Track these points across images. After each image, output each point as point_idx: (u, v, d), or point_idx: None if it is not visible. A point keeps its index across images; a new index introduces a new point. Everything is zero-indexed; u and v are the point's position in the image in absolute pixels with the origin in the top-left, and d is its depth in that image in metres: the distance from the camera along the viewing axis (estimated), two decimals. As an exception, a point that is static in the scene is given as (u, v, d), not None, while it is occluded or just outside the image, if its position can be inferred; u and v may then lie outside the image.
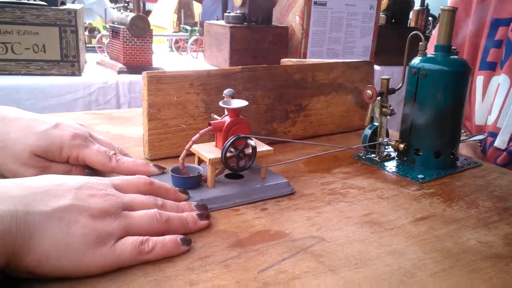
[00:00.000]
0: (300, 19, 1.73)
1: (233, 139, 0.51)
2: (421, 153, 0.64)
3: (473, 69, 0.93)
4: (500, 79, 0.83)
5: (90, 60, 1.78)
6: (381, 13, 1.98)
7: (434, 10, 2.47)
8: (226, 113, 0.54)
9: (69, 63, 1.47)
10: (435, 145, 0.64)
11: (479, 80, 0.90)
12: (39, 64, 1.44)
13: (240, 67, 0.68)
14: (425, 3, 2.25)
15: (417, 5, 2.23)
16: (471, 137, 0.72)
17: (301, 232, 0.46)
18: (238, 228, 0.46)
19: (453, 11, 0.64)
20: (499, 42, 0.87)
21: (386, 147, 0.69)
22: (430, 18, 2.39)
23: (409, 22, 2.20)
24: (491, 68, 0.88)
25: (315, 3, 1.72)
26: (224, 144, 0.51)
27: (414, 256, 0.42)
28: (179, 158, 0.52)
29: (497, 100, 0.82)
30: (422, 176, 0.61)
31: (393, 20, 2.06)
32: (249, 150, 0.53)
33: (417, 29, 2.18)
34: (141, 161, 0.55)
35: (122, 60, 1.58)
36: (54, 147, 0.50)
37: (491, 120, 0.83)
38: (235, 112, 0.53)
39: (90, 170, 0.54)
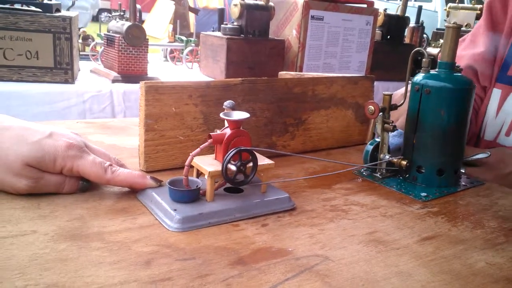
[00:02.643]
0: (297, 33, 1.73)
1: (234, 151, 0.49)
2: (423, 171, 0.63)
3: (491, 79, 0.90)
4: None
5: (83, 68, 1.76)
6: (377, 29, 1.99)
7: (427, 30, 2.50)
8: (226, 125, 0.53)
9: (63, 71, 1.44)
10: (438, 162, 0.63)
11: (495, 93, 0.86)
12: (31, 71, 1.42)
13: (240, 79, 0.66)
14: (420, 21, 2.27)
15: (412, 23, 2.24)
16: (474, 155, 0.71)
17: (304, 250, 0.44)
18: (238, 244, 0.44)
19: (457, 29, 0.63)
20: None
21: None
22: (424, 35, 2.41)
23: (404, 38, 2.22)
24: (511, 83, 0.85)
25: (312, 17, 1.72)
26: (225, 157, 0.49)
27: (422, 278, 0.41)
28: (185, 164, 0.50)
29: None
30: (425, 194, 0.60)
31: (388, 36, 2.08)
32: (250, 163, 0.51)
33: (412, 46, 2.20)
34: (137, 172, 0.53)
35: (117, 69, 1.56)
36: (47, 158, 0.48)
37: (511, 142, 0.80)
38: (236, 124, 0.52)
39: (85, 181, 0.52)
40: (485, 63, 0.89)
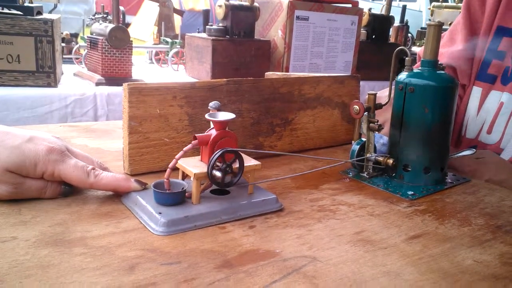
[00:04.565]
0: (283, 33, 1.73)
1: (220, 152, 0.48)
2: (410, 169, 0.63)
3: (470, 77, 0.90)
4: (503, 98, 0.80)
5: (67, 71, 1.73)
6: (362, 29, 2.00)
7: (412, 29, 2.52)
8: (212, 126, 0.52)
9: (45, 74, 1.42)
10: (424, 160, 0.63)
11: (475, 91, 0.86)
12: (13, 75, 1.39)
13: (225, 79, 0.66)
14: (405, 20, 2.29)
15: (397, 22, 2.26)
16: (459, 152, 0.71)
17: (291, 251, 0.44)
18: (225, 247, 0.44)
19: (439, 26, 0.63)
20: (502, 54, 0.83)
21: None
22: (409, 35, 2.43)
23: (389, 38, 2.23)
24: (491, 81, 0.84)
25: (298, 17, 1.72)
26: (211, 158, 0.48)
27: (410, 277, 0.41)
28: (169, 166, 0.49)
29: (500, 119, 0.79)
30: (412, 192, 0.60)
31: (373, 36, 2.08)
32: (236, 165, 0.51)
33: (397, 45, 2.21)
34: (121, 175, 0.52)
35: (101, 72, 1.54)
36: (28, 163, 0.47)
37: (492, 139, 0.80)
38: (221, 125, 0.51)
39: (67, 186, 0.51)
40: (464, 61, 0.89)
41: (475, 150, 0.70)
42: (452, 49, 0.92)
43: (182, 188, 0.50)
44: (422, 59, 0.64)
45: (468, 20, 0.92)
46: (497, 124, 0.80)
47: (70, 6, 5.55)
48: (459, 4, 2.49)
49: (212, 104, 0.54)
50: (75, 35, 2.18)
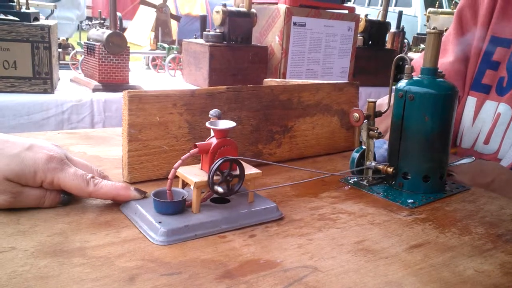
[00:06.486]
0: (280, 39, 1.74)
1: (220, 161, 0.48)
2: (409, 177, 0.63)
3: (464, 86, 0.90)
4: (500, 108, 0.80)
5: (63, 77, 1.73)
6: (358, 35, 2.00)
7: (407, 35, 2.53)
8: (212, 134, 0.52)
9: (41, 80, 1.42)
10: (424, 168, 0.63)
11: (470, 101, 0.86)
12: (9, 81, 1.39)
13: (225, 87, 0.66)
14: (401, 26, 2.30)
15: (393, 28, 2.27)
16: (458, 160, 0.71)
17: (293, 261, 0.43)
18: (226, 257, 0.44)
19: (439, 35, 0.64)
20: (496, 64, 0.84)
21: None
22: (405, 40, 2.44)
23: (385, 44, 2.24)
24: (485, 91, 0.85)
25: (295, 23, 1.73)
26: (211, 167, 0.48)
27: None
28: (168, 177, 0.49)
29: (497, 130, 0.79)
30: (412, 200, 0.60)
31: (370, 42, 2.09)
32: (237, 173, 0.50)
33: (393, 51, 2.22)
34: (121, 184, 0.52)
35: (98, 78, 1.54)
36: (27, 171, 0.47)
37: (490, 149, 0.81)
38: (222, 133, 0.51)
39: (66, 195, 0.51)
40: (455, 72, 0.90)
41: (474, 158, 0.70)
42: (443, 60, 0.92)
43: (182, 197, 0.50)
44: (421, 67, 0.64)
45: (459, 30, 0.92)
46: (494, 135, 0.80)
47: (64, 12, 5.58)
48: (455, 10, 2.51)
49: (212, 112, 0.54)
50: (66, 40, 2.18)
